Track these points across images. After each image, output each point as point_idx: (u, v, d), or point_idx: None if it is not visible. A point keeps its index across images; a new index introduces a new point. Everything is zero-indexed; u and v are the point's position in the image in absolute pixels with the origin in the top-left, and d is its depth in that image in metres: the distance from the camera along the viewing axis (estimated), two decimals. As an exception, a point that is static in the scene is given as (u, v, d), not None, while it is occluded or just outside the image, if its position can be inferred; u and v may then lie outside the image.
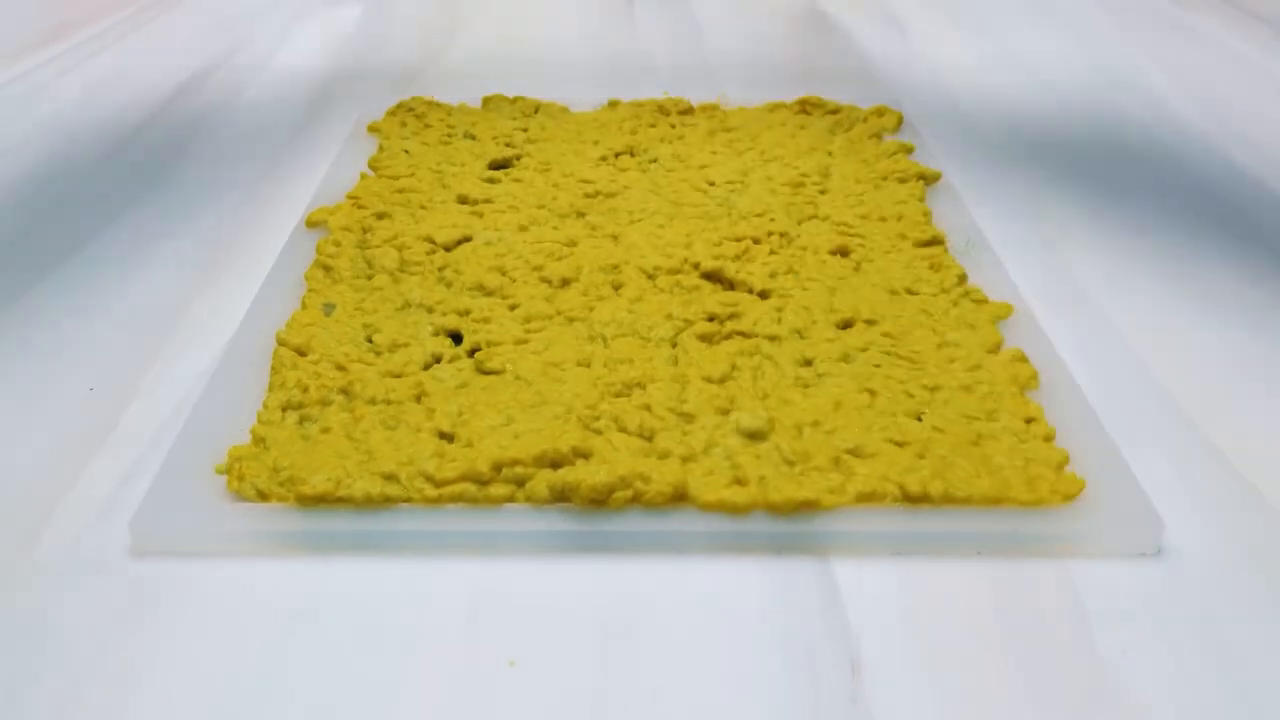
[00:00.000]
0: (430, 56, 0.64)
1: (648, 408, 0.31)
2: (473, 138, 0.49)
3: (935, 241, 0.40)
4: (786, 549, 0.28)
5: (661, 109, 0.52)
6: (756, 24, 0.68)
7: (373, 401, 0.31)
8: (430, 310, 0.35)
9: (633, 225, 0.41)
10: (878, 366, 0.33)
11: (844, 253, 0.39)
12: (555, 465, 0.29)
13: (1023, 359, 0.33)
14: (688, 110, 0.52)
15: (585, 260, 0.38)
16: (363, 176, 0.45)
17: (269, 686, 0.24)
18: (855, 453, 0.29)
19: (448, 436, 0.30)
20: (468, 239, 0.40)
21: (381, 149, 0.48)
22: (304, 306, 0.36)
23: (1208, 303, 0.39)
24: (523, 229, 0.40)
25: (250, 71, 0.61)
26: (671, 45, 0.66)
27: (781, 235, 0.40)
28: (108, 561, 0.27)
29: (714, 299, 0.36)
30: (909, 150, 0.47)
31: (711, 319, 0.35)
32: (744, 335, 0.34)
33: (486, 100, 0.53)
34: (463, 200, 0.43)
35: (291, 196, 0.45)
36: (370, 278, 0.37)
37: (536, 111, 0.52)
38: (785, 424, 0.30)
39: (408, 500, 0.28)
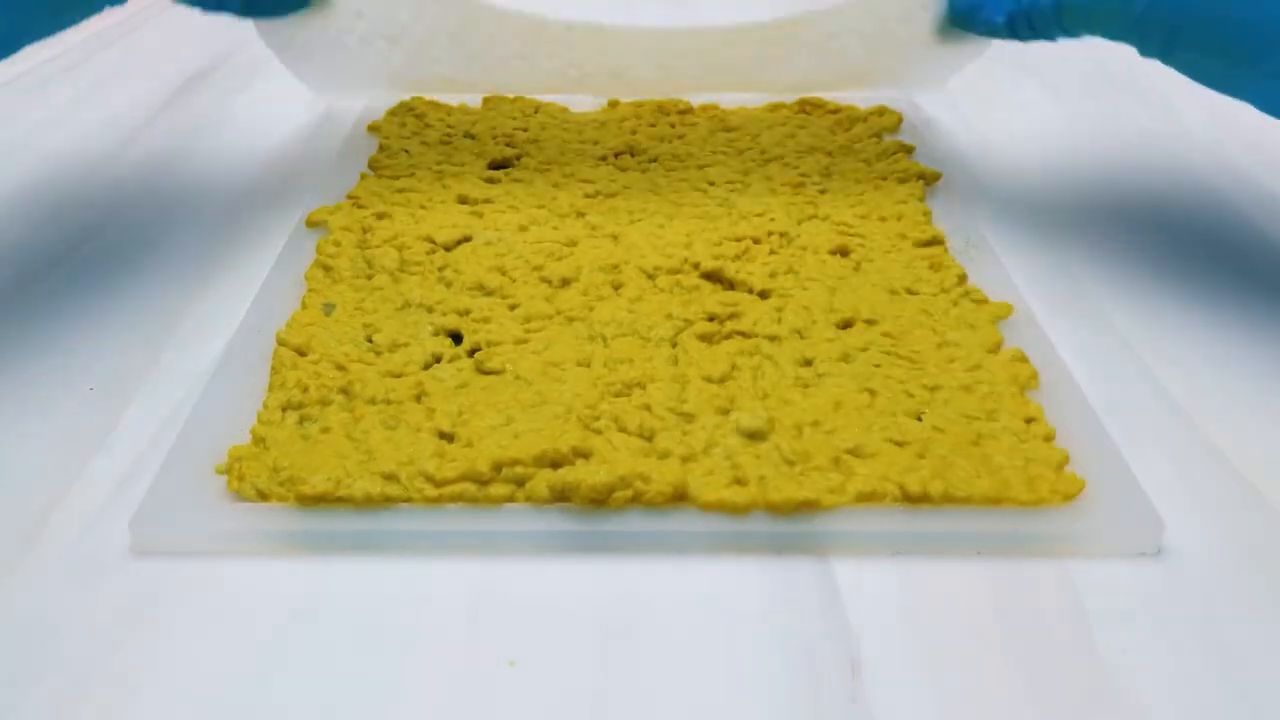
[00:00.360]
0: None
1: (648, 408, 0.31)
2: (473, 138, 0.49)
3: (935, 241, 0.40)
4: (786, 549, 0.28)
5: (661, 109, 0.52)
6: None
7: (373, 401, 0.31)
8: (430, 310, 0.35)
9: (633, 225, 0.41)
10: (878, 366, 0.33)
11: (844, 253, 0.39)
12: (555, 465, 0.29)
13: (1023, 359, 0.33)
14: (687, 110, 0.52)
15: (585, 260, 0.38)
16: (363, 176, 0.45)
17: (269, 686, 0.24)
18: (855, 453, 0.29)
19: (448, 436, 0.30)
20: (468, 239, 0.40)
21: (381, 149, 0.48)
22: (304, 306, 0.36)
23: (1208, 303, 0.39)
24: (523, 229, 0.40)
25: (250, 71, 0.61)
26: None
27: (781, 235, 0.40)
28: (108, 561, 0.27)
29: (714, 299, 0.36)
30: (909, 150, 0.47)
31: (711, 319, 0.35)
32: (744, 335, 0.34)
33: (486, 100, 0.53)
34: (463, 200, 0.43)
35: (291, 196, 0.45)
36: (370, 278, 0.37)
37: (536, 111, 0.52)
38: (785, 424, 0.30)
39: (408, 500, 0.28)
